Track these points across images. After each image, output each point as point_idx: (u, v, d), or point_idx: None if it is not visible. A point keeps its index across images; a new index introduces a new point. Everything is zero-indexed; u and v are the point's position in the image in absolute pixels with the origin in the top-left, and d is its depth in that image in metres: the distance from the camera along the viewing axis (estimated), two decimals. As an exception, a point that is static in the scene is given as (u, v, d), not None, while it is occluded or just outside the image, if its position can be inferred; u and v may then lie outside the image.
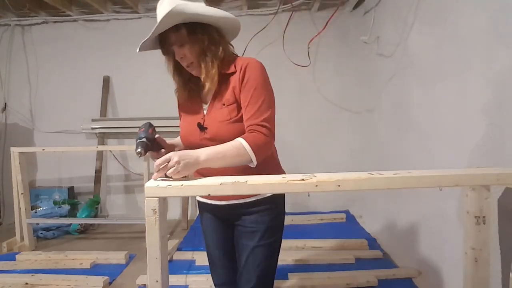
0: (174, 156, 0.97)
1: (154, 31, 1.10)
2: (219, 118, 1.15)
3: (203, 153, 1.02)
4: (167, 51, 1.19)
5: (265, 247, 1.22)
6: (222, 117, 1.15)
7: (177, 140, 1.37)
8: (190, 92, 1.26)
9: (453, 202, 1.81)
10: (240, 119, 1.14)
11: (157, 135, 1.22)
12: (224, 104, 1.15)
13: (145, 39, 1.14)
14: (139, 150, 1.10)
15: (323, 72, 3.68)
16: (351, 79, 3.66)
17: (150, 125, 1.20)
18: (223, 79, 1.17)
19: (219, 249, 1.34)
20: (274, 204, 1.23)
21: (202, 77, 1.16)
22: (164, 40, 1.16)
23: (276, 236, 1.26)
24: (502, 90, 1.47)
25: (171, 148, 1.31)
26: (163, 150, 1.24)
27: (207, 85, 1.15)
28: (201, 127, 1.18)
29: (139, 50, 1.21)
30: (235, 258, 1.31)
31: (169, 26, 1.11)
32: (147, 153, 1.15)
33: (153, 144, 1.18)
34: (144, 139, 1.13)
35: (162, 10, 1.08)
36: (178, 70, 1.24)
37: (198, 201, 1.36)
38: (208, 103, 1.21)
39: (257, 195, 1.19)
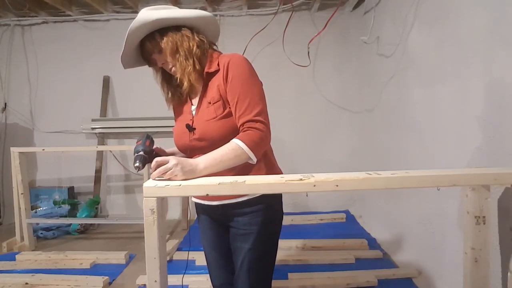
0: (173, 159, 0.99)
1: (124, 44, 1.15)
2: (205, 117, 1.15)
3: (202, 162, 1.03)
4: (151, 62, 1.23)
5: (260, 250, 1.20)
6: (208, 115, 1.15)
7: (176, 148, 1.37)
8: (180, 98, 1.27)
9: (453, 202, 1.81)
10: (227, 116, 1.13)
11: (155, 146, 1.22)
12: (210, 103, 1.15)
13: (121, 53, 1.18)
14: (136, 164, 1.11)
15: (323, 72, 3.68)
16: (351, 79, 3.66)
17: (148, 136, 1.20)
18: (208, 78, 1.18)
19: (215, 250, 1.33)
20: (268, 204, 1.20)
21: (178, 75, 1.17)
22: (144, 51, 1.20)
23: (272, 238, 1.24)
24: (502, 90, 1.47)
25: (171, 153, 1.31)
26: None
27: (185, 84, 1.16)
28: (190, 128, 1.18)
29: (125, 67, 1.25)
30: (231, 259, 1.29)
31: (139, 38, 1.16)
32: (146, 166, 1.15)
33: (151, 156, 1.18)
34: (141, 153, 1.13)
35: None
36: (167, 79, 1.26)
37: (195, 202, 1.35)
38: (196, 104, 1.22)
39: (248, 194, 1.17)
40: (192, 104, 1.24)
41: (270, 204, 1.21)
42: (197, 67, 1.16)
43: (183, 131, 1.20)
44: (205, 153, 1.07)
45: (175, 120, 1.33)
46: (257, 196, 1.17)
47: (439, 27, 1.98)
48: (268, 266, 1.25)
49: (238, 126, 1.10)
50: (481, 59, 1.61)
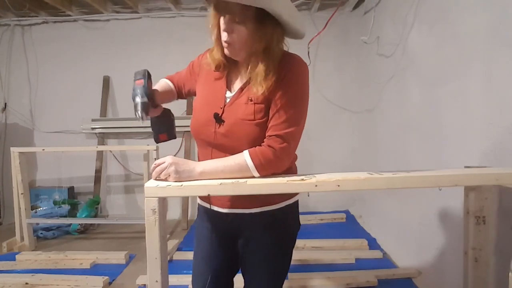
0: (169, 158, 0.97)
1: None
2: (241, 114, 1.00)
3: (201, 166, 0.98)
4: (219, 11, 0.97)
5: (273, 264, 1.12)
6: (245, 114, 1.00)
7: (161, 85, 1.19)
8: (220, 69, 1.07)
9: (453, 202, 1.81)
10: (264, 123, 0.99)
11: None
12: (251, 100, 1.00)
13: None
14: (139, 113, 0.97)
15: (323, 72, 3.68)
16: (351, 79, 3.66)
17: (149, 75, 1.03)
18: None
19: (208, 263, 1.19)
20: (284, 217, 1.12)
21: (251, 75, 1.00)
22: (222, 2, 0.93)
23: (286, 253, 1.16)
24: (502, 90, 1.47)
25: (161, 96, 1.13)
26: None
27: (252, 81, 0.99)
28: (218, 119, 1.03)
29: None
30: (220, 276, 1.19)
31: (244, 2, 0.88)
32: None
33: (153, 101, 1.03)
34: (146, 100, 0.98)
35: None
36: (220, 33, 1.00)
37: (199, 206, 1.22)
38: (233, 93, 1.05)
39: (265, 206, 1.07)
40: (227, 89, 1.07)
41: (286, 217, 1.13)
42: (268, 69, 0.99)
43: (208, 118, 1.04)
44: (225, 150, 1.02)
45: (197, 97, 1.13)
46: (275, 209, 1.09)
47: (439, 27, 1.98)
48: (281, 278, 1.17)
49: (266, 134, 0.99)
50: (481, 59, 1.61)
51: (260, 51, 0.97)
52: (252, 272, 1.15)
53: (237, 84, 1.07)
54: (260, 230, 1.10)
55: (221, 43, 1.00)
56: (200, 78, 1.14)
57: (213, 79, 1.09)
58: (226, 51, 1.00)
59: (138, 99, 0.99)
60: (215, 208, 1.12)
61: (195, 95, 1.18)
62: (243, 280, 1.21)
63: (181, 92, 1.24)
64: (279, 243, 1.13)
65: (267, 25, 0.95)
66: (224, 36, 0.97)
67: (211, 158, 1.03)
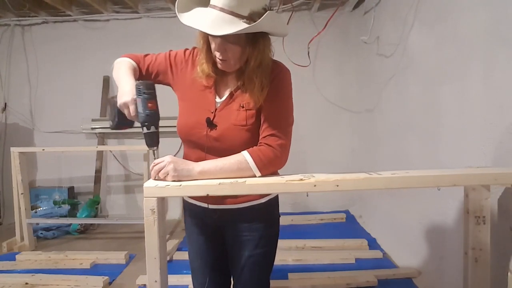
0: (168, 158, 0.98)
1: (213, 31, 0.93)
2: (233, 120, 1.05)
3: (200, 166, 1.00)
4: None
5: (260, 256, 1.16)
6: (237, 120, 1.05)
7: (129, 68, 1.20)
8: (208, 78, 1.09)
9: (453, 202, 1.81)
10: (255, 128, 1.06)
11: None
12: (242, 107, 1.06)
13: (194, 25, 0.96)
14: (154, 148, 1.02)
15: (323, 72, 3.68)
16: (351, 79, 3.66)
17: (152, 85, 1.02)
18: None
19: (202, 257, 1.24)
20: (269, 210, 1.18)
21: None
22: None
23: (271, 244, 1.21)
24: (502, 90, 1.47)
25: None
26: None
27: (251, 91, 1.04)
28: (210, 124, 1.06)
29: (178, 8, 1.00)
30: (218, 268, 1.25)
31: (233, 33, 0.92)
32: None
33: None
34: (158, 130, 1.01)
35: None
36: (210, 49, 1.05)
37: (185, 202, 1.24)
38: (223, 98, 1.09)
39: (251, 201, 1.13)
40: (217, 95, 1.11)
41: (271, 210, 1.19)
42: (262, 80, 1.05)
43: (199, 122, 1.08)
44: (218, 153, 1.03)
45: (184, 99, 1.14)
46: (261, 203, 1.14)
47: (439, 27, 1.98)
48: (267, 273, 1.23)
49: (260, 138, 1.05)
50: (481, 59, 1.60)
51: (255, 67, 1.02)
52: (242, 264, 1.17)
53: (225, 89, 1.11)
54: (247, 224, 1.15)
55: (212, 59, 1.06)
56: (183, 76, 1.15)
57: (200, 83, 1.11)
58: (220, 66, 1.05)
59: (153, 129, 1.02)
60: (204, 205, 1.15)
61: (165, 85, 1.19)
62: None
63: (148, 77, 1.21)
64: (266, 233, 1.17)
65: (259, 42, 1.01)
66: (219, 54, 1.02)
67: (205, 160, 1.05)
